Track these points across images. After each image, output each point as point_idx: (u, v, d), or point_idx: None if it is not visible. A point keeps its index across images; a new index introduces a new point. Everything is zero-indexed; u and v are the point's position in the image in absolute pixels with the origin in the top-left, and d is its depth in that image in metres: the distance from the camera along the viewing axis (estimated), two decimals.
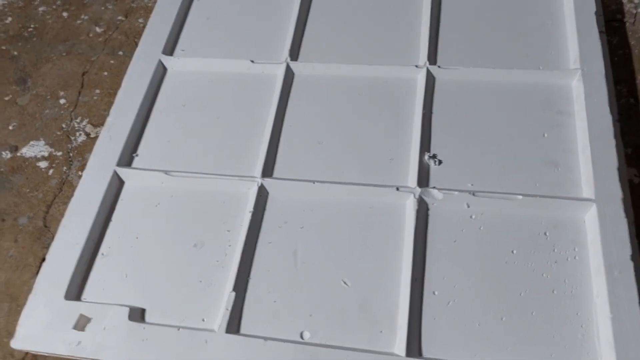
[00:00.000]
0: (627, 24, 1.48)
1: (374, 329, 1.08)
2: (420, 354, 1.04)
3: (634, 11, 1.50)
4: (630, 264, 1.06)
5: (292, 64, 1.46)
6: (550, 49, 1.41)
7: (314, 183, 1.25)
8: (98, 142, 1.37)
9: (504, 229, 1.16)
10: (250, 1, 1.63)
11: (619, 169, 1.17)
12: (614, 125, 1.24)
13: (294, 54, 1.49)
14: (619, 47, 1.45)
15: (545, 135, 1.28)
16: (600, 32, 1.39)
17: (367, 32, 1.52)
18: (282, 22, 1.57)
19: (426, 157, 1.27)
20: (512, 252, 1.13)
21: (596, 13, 1.42)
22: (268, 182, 1.27)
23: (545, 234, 1.15)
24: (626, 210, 1.12)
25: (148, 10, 1.71)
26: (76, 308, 1.13)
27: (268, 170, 1.30)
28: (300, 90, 1.44)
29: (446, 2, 1.54)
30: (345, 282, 1.13)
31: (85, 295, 1.17)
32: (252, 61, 1.48)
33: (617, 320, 1.00)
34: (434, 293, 1.11)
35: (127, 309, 1.11)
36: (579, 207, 1.15)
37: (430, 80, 1.39)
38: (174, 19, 1.59)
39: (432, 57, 1.42)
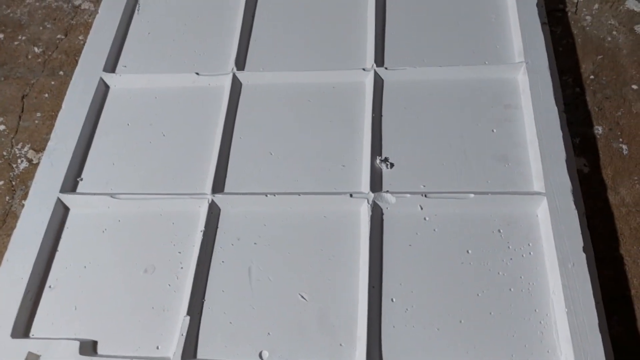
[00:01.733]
0: (570, 13, 1.49)
1: (333, 342, 1.06)
2: None
3: (576, 0, 1.51)
4: (583, 256, 1.06)
5: (239, 74, 1.43)
6: (495, 44, 1.41)
7: (266, 196, 1.23)
8: (39, 169, 1.31)
9: (458, 228, 1.16)
10: (192, 13, 1.59)
11: (567, 161, 1.18)
12: (560, 117, 1.24)
13: (240, 63, 1.46)
14: (562, 37, 1.45)
15: (494, 130, 1.27)
16: (543, 23, 1.40)
17: (313, 38, 1.49)
18: (226, 32, 1.53)
19: (378, 161, 1.26)
20: (467, 252, 1.13)
21: (538, 4, 1.42)
22: (219, 198, 1.23)
23: (499, 231, 1.15)
24: (576, 202, 1.13)
25: (88, 27, 1.65)
26: (24, 345, 1.08)
27: (219, 185, 1.26)
28: (248, 100, 1.41)
29: (391, 3, 1.52)
30: (302, 296, 1.11)
31: (34, 331, 1.13)
32: (198, 73, 1.44)
33: (573, 314, 1.01)
34: (392, 300, 1.09)
35: (77, 343, 1.07)
36: (530, 201, 1.15)
37: (379, 83, 1.38)
38: (114, 35, 1.54)
39: (379, 59, 1.41)
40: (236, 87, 1.42)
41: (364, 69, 1.39)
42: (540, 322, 1.04)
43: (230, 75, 1.42)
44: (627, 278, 1.09)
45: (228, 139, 1.34)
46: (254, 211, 1.23)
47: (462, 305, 1.07)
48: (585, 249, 1.07)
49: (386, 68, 1.38)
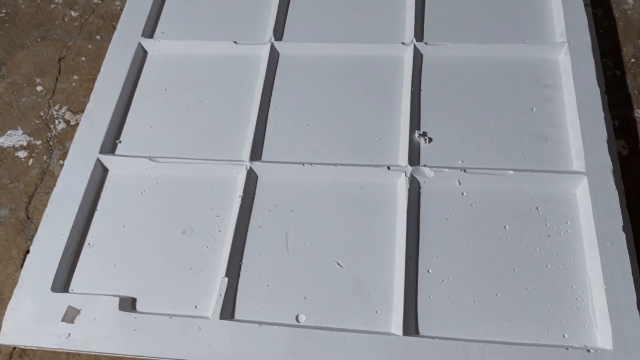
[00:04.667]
0: None
1: (369, 309, 1.07)
2: (417, 332, 1.04)
3: None
4: (622, 235, 1.06)
5: (277, 44, 1.43)
6: (536, 23, 1.40)
7: (303, 165, 1.23)
8: (79, 130, 1.33)
9: (496, 204, 1.16)
10: None
11: (608, 142, 1.18)
12: (602, 98, 1.24)
13: (278, 33, 1.46)
14: (603, 20, 1.44)
15: (534, 109, 1.27)
16: (585, 4, 1.39)
17: (352, 10, 1.49)
18: (265, 1, 1.53)
19: (416, 135, 1.26)
20: (505, 227, 1.13)
21: None
22: (257, 166, 1.24)
23: (537, 208, 1.15)
24: (617, 182, 1.13)
25: None
26: (64, 300, 1.10)
27: (256, 153, 1.27)
28: (285, 71, 1.41)
29: None
30: (339, 264, 1.12)
31: (73, 286, 1.15)
32: (235, 42, 1.44)
33: (611, 292, 1.01)
34: (428, 271, 1.10)
35: (117, 299, 1.09)
36: (569, 180, 1.15)
37: (418, 58, 1.37)
38: (152, 1, 1.55)
39: (419, 34, 1.40)
40: (274, 57, 1.42)
41: (403, 43, 1.39)
42: (577, 299, 1.04)
43: (269, 45, 1.42)
44: None
45: (265, 108, 1.35)
46: (290, 180, 1.24)
47: (499, 279, 1.08)
48: (625, 229, 1.07)
49: (426, 43, 1.38)
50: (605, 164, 1.15)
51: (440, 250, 1.12)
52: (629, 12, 1.44)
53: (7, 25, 1.65)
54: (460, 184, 1.19)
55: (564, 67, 1.31)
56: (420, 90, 1.33)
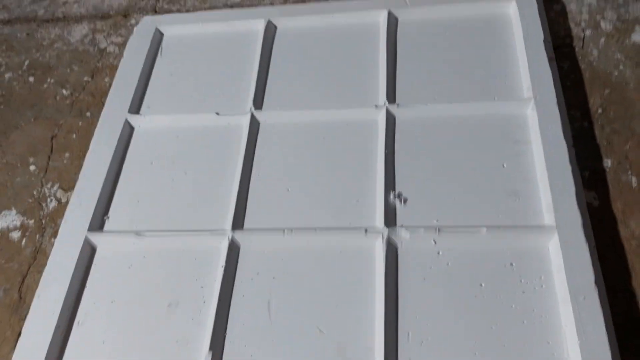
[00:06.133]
0: (577, 48, 1.53)
1: None
2: None
3: (582, 35, 1.55)
4: (595, 289, 1.08)
5: (257, 113, 1.50)
6: (504, 79, 1.45)
7: (283, 232, 1.27)
8: (68, 208, 1.38)
9: (471, 262, 1.19)
10: (212, 55, 1.67)
11: (577, 194, 1.21)
12: (569, 151, 1.28)
13: (258, 103, 1.52)
14: (570, 72, 1.49)
15: (505, 165, 1.31)
16: (550, 59, 1.44)
17: (327, 76, 1.55)
18: (245, 73, 1.60)
19: (391, 196, 1.30)
20: (481, 285, 1.16)
21: (544, 41, 1.47)
22: (238, 235, 1.28)
23: (511, 264, 1.17)
24: (587, 235, 1.15)
25: (114, 69, 1.74)
26: None
27: (238, 222, 1.32)
28: (266, 138, 1.47)
29: (401, 40, 1.58)
30: (320, 330, 1.15)
31: None
32: (218, 113, 1.51)
33: (585, 347, 1.03)
34: (408, 334, 1.12)
35: None
36: (541, 235, 1.18)
37: (391, 119, 1.43)
38: (139, 77, 1.62)
39: (391, 96, 1.46)
40: (254, 126, 1.48)
41: (376, 106, 1.44)
42: (554, 354, 1.06)
43: (249, 115, 1.49)
44: None
45: (247, 176, 1.40)
46: (271, 247, 1.28)
47: (477, 338, 1.10)
48: (597, 282, 1.09)
49: (398, 105, 1.43)
50: (575, 217, 1.18)
51: (419, 312, 1.15)
52: (594, 63, 1.49)
53: (2, 107, 1.73)
54: (435, 243, 1.22)
55: (532, 122, 1.35)
56: (394, 151, 1.38)
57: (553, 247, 1.17)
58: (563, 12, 1.62)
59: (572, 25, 1.59)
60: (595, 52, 1.52)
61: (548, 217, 1.21)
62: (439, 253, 1.21)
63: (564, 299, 1.10)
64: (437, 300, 1.15)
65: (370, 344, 1.12)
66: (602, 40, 1.54)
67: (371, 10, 1.64)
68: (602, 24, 1.57)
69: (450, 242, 1.22)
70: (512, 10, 1.56)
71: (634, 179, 1.28)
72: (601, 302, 1.07)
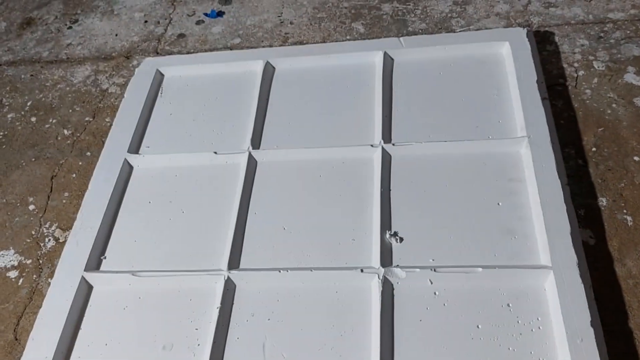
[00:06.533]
0: (570, 87, 1.55)
1: None
2: None
3: (575, 74, 1.58)
4: (591, 331, 1.07)
5: (254, 152, 1.51)
6: (498, 119, 1.47)
7: (279, 272, 1.27)
8: (66, 248, 1.39)
9: (468, 303, 1.18)
10: (211, 95, 1.70)
11: (572, 234, 1.21)
12: (564, 190, 1.28)
13: (256, 142, 1.54)
14: (564, 110, 1.51)
15: (500, 204, 1.31)
16: (543, 98, 1.46)
17: (324, 115, 1.57)
18: (243, 112, 1.62)
19: (387, 235, 1.30)
20: (478, 327, 1.15)
21: (538, 81, 1.49)
22: (234, 274, 1.28)
23: (508, 305, 1.16)
24: (582, 275, 1.15)
25: (115, 109, 1.77)
26: None
27: (234, 261, 1.32)
28: (263, 177, 1.48)
29: (397, 80, 1.61)
30: None
31: None
32: (216, 152, 1.52)
33: None
34: None
35: None
36: (537, 275, 1.18)
37: (386, 158, 1.44)
38: (139, 117, 1.65)
39: (387, 136, 1.48)
40: (252, 165, 1.50)
41: (372, 145, 1.45)
42: None
43: (247, 154, 1.50)
44: (638, 352, 1.09)
45: (244, 215, 1.40)
46: (267, 286, 1.27)
47: None
48: (593, 324, 1.08)
49: (393, 144, 1.45)
50: (570, 257, 1.17)
51: (415, 354, 1.13)
52: (587, 102, 1.51)
53: (4, 147, 1.76)
54: (432, 283, 1.22)
55: (526, 161, 1.36)
56: (389, 190, 1.39)
57: (549, 287, 1.16)
58: (556, 53, 1.65)
59: (565, 65, 1.61)
60: (588, 92, 1.54)
61: (544, 257, 1.20)
62: (435, 293, 1.20)
63: (561, 342, 1.08)
64: (434, 342, 1.14)
65: None
66: (595, 80, 1.56)
67: (367, 51, 1.67)
68: (595, 64, 1.60)
69: (447, 282, 1.21)
70: (506, 50, 1.59)
71: (629, 218, 1.28)
72: (598, 343, 1.06)
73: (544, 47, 1.66)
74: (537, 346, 1.10)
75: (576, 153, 1.42)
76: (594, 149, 1.41)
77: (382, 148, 1.44)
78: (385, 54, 1.65)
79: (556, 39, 1.68)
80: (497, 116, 1.47)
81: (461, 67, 1.60)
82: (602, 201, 1.32)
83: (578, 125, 1.47)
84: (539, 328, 1.13)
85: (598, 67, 1.59)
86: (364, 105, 1.57)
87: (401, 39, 1.67)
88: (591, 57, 1.62)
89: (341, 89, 1.63)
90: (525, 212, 1.29)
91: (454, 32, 1.77)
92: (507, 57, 1.58)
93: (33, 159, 1.71)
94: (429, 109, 1.53)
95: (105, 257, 1.38)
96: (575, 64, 1.61)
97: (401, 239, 1.29)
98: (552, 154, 1.34)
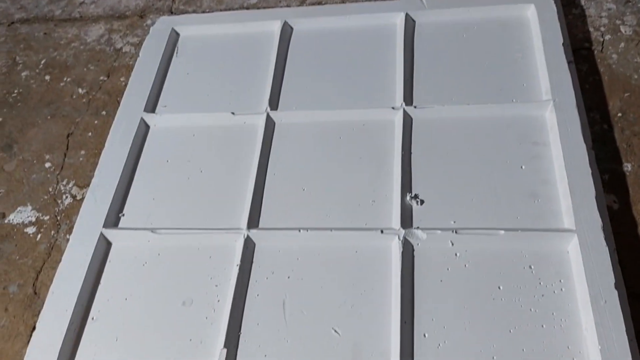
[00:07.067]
0: (596, 52, 1.52)
1: None
2: None
3: (601, 39, 1.54)
4: (615, 293, 1.07)
5: (272, 114, 1.49)
6: (522, 82, 1.44)
7: (299, 231, 1.27)
8: (84, 205, 1.38)
9: (489, 264, 1.17)
10: (228, 54, 1.67)
11: (597, 197, 1.19)
12: (589, 153, 1.26)
13: (274, 103, 1.52)
14: (589, 75, 1.48)
15: (523, 167, 1.30)
16: (569, 62, 1.43)
17: (343, 77, 1.55)
18: (261, 73, 1.60)
19: (408, 197, 1.29)
20: (499, 288, 1.14)
21: (564, 44, 1.46)
22: (254, 233, 1.28)
23: (530, 267, 1.16)
24: (607, 239, 1.14)
25: (129, 69, 1.74)
26: None
27: (254, 220, 1.31)
28: (281, 138, 1.47)
29: (419, 42, 1.58)
30: (335, 331, 1.14)
31: None
32: (233, 113, 1.50)
33: (606, 351, 1.01)
34: (424, 335, 1.11)
35: None
36: (560, 238, 1.17)
37: (408, 121, 1.42)
38: (155, 76, 1.63)
39: (408, 98, 1.45)
40: (270, 126, 1.48)
41: (393, 108, 1.43)
42: (573, 359, 1.04)
43: (264, 115, 1.48)
44: None
45: (262, 175, 1.39)
46: (287, 246, 1.27)
47: (495, 342, 1.08)
48: (617, 286, 1.07)
49: (415, 107, 1.42)
50: (595, 220, 1.16)
51: (436, 314, 1.13)
52: (614, 66, 1.48)
53: (19, 104, 1.74)
54: (453, 244, 1.21)
55: (551, 124, 1.34)
56: (410, 152, 1.37)
57: (572, 250, 1.15)
58: (582, 16, 1.61)
59: (591, 29, 1.58)
60: (614, 56, 1.50)
61: (567, 220, 1.19)
62: (456, 254, 1.20)
63: (584, 303, 1.08)
64: (454, 303, 1.14)
65: (386, 345, 1.10)
66: (622, 44, 1.52)
67: (388, 12, 1.64)
68: (622, 29, 1.56)
69: (468, 244, 1.20)
70: (531, 13, 1.55)
71: None
72: (622, 306, 1.05)
73: (570, 10, 1.62)
74: (558, 308, 1.10)
75: (601, 118, 1.39)
76: (619, 114, 1.39)
77: (404, 110, 1.42)
78: (406, 15, 1.61)
79: (582, 2, 1.64)
80: (522, 79, 1.44)
81: (485, 29, 1.57)
82: (627, 166, 1.30)
83: (603, 90, 1.44)
84: (561, 290, 1.12)
85: (625, 31, 1.55)
86: (384, 67, 1.55)
87: (423, 0, 1.63)
88: (618, 22, 1.58)
89: (361, 51, 1.60)
90: (549, 176, 1.27)
91: None
92: (533, 19, 1.54)
93: (49, 117, 1.69)
94: (451, 71, 1.50)
95: (123, 215, 1.38)
96: (602, 28, 1.57)
97: (422, 202, 1.28)
98: (577, 117, 1.31)
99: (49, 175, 1.54)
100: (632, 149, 1.32)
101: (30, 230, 1.43)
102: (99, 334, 1.20)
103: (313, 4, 1.81)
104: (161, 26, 1.77)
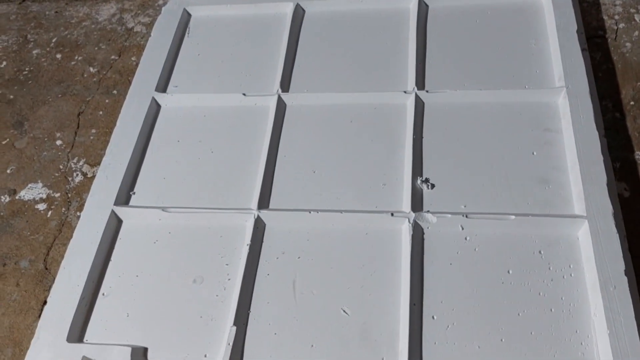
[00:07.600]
0: (609, 40, 1.51)
1: (376, 356, 1.08)
2: None
3: (615, 27, 1.53)
4: (625, 279, 1.07)
5: (284, 95, 1.49)
6: (535, 68, 1.43)
7: (309, 212, 1.27)
8: (95, 182, 1.39)
9: (499, 249, 1.18)
10: (240, 36, 1.67)
11: (608, 185, 1.19)
12: (601, 141, 1.26)
13: (285, 85, 1.52)
14: (602, 63, 1.47)
15: (535, 153, 1.30)
16: (583, 49, 1.42)
17: (355, 61, 1.55)
18: (272, 55, 1.60)
19: (419, 181, 1.29)
20: (508, 272, 1.15)
21: (578, 31, 1.45)
22: (264, 214, 1.28)
23: (539, 252, 1.16)
24: (617, 225, 1.14)
25: (141, 49, 1.74)
26: (79, 350, 1.14)
27: (264, 201, 1.31)
28: (292, 120, 1.47)
29: (431, 27, 1.57)
30: (345, 311, 1.14)
31: (88, 336, 1.18)
32: (244, 94, 1.50)
33: (615, 336, 1.01)
34: (433, 317, 1.11)
35: (129, 349, 1.12)
36: (571, 224, 1.17)
37: (420, 105, 1.42)
38: (166, 56, 1.63)
39: (420, 82, 1.45)
40: (281, 108, 1.48)
41: (405, 92, 1.43)
42: (582, 344, 1.05)
43: (276, 97, 1.48)
44: None
45: (273, 157, 1.39)
46: (297, 227, 1.27)
47: (503, 324, 1.09)
48: (627, 272, 1.08)
49: (427, 91, 1.42)
50: (606, 207, 1.16)
51: (445, 296, 1.14)
52: (627, 55, 1.47)
53: (30, 82, 1.74)
54: (463, 228, 1.21)
55: (563, 111, 1.34)
56: (422, 137, 1.37)
57: (583, 236, 1.16)
58: (596, 4, 1.60)
59: (605, 17, 1.57)
60: (628, 45, 1.50)
61: (578, 207, 1.19)
62: (466, 238, 1.20)
63: (594, 288, 1.08)
64: (463, 285, 1.14)
65: (396, 326, 1.11)
66: (636, 33, 1.51)
67: None
68: (636, 17, 1.55)
69: (478, 228, 1.21)
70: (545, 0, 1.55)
71: None
72: (631, 292, 1.06)
73: None
74: (568, 292, 1.10)
75: (614, 106, 1.39)
76: (632, 102, 1.39)
77: (416, 94, 1.42)
78: None
79: None
80: (535, 66, 1.44)
81: (499, 15, 1.56)
82: (639, 155, 1.30)
83: (616, 78, 1.44)
84: (571, 275, 1.12)
85: (639, 20, 1.54)
86: (396, 51, 1.54)
87: None
88: (632, 10, 1.57)
89: (373, 34, 1.60)
90: (561, 162, 1.27)
91: None
92: (547, 6, 1.53)
93: (59, 95, 1.69)
94: (464, 56, 1.50)
95: (134, 193, 1.38)
96: (616, 17, 1.56)
97: (432, 185, 1.28)
98: (590, 104, 1.31)
99: (59, 153, 1.55)
100: None
101: (41, 206, 1.44)
102: (109, 310, 1.21)
103: None
104: (173, 6, 1.76)
